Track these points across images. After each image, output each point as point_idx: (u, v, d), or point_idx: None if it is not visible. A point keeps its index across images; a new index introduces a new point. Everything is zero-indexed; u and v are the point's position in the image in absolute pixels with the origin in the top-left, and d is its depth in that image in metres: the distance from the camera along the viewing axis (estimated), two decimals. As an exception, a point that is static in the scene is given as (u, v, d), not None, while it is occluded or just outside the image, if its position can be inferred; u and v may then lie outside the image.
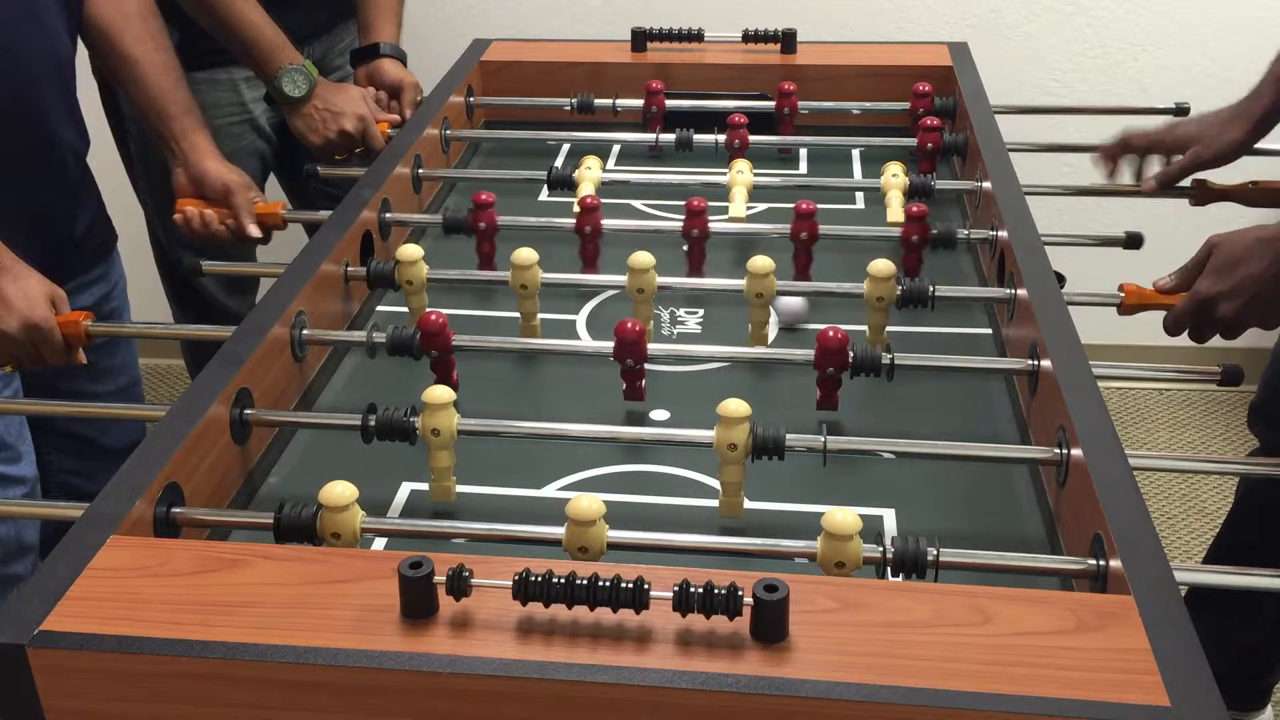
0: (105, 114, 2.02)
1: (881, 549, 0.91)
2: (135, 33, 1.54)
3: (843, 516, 0.90)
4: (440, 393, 1.05)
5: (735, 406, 1.02)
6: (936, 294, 1.26)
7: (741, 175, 1.55)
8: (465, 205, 1.46)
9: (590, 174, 1.58)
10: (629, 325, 1.16)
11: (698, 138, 1.69)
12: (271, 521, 0.96)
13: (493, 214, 1.44)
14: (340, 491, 0.94)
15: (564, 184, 1.58)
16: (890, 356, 1.15)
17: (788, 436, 1.03)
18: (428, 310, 1.21)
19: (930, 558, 0.91)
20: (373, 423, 1.07)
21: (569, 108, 1.81)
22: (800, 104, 1.77)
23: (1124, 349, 2.56)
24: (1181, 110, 1.80)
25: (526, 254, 1.29)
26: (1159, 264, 1.43)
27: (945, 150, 1.66)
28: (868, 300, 1.25)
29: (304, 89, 1.78)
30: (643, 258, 1.27)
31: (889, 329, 1.29)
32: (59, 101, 1.48)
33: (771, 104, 1.78)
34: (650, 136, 1.73)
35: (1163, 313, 1.34)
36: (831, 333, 1.14)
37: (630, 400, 1.19)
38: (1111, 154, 1.66)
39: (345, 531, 0.95)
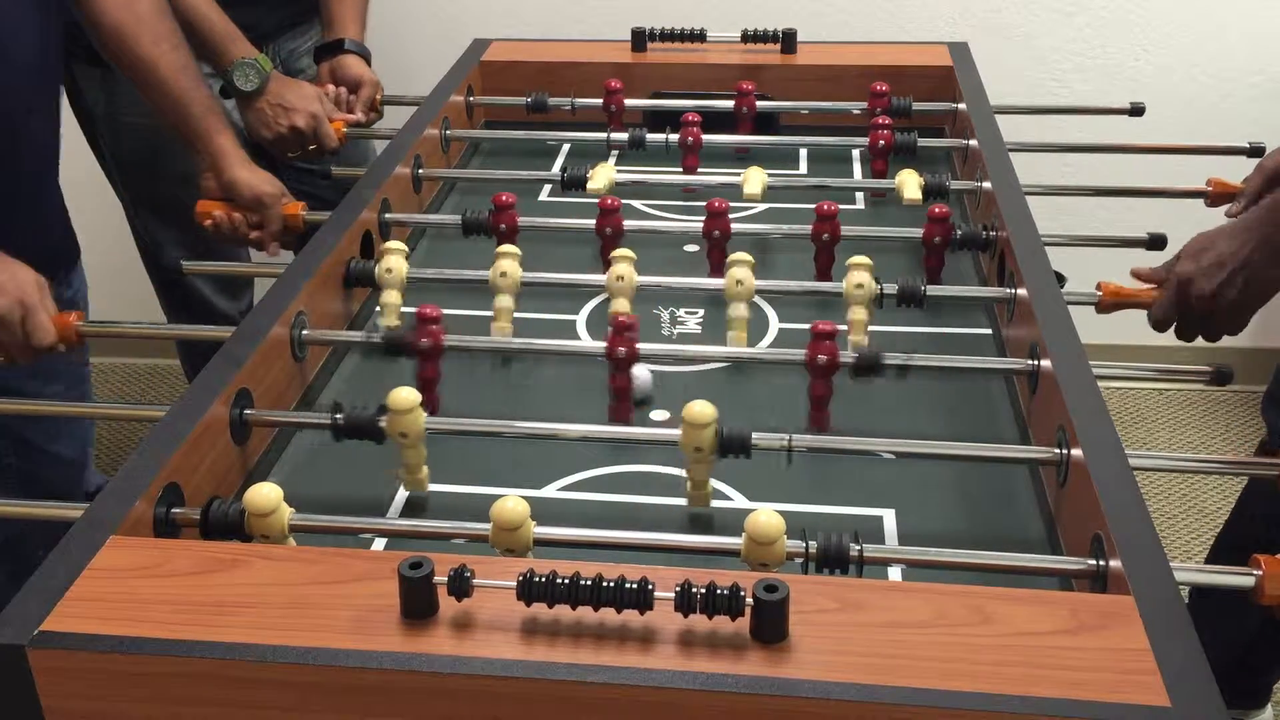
0: (74, 112, 2.01)
1: (805, 545, 0.92)
2: (149, 34, 1.52)
3: (766, 519, 0.90)
4: (405, 396, 1.04)
5: (700, 411, 1.02)
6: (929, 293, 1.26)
7: (755, 174, 1.55)
8: (485, 206, 1.46)
9: (604, 173, 1.57)
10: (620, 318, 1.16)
11: (650, 137, 1.69)
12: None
13: (514, 215, 1.44)
14: (266, 494, 0.94)
15: (578, 184, 1.58)
16: (903, 357, 1.15)
17: (754, 435, 1.03)
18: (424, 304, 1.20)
19: (854, 553, 0.91)
20: (340, 420, 1.08)
21: (568, 108, 1.81)
22: (800, 104, 1.78)
23: (1124, 349, 2.56)
24: (1137, 110, 1.81)
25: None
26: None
27: (898, 149, 1.66)
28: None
29: (256, 83, 1.77)
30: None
31: (892, 329, 1.29)
32: (39, 107, 1.47)
33: (770, 104, 1.78)
34: (653, 137, 1.73)
35: (1143, 311, 1.36)
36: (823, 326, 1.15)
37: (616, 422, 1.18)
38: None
39: (272, 533, 0.95)
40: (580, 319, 1.38)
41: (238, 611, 0.81)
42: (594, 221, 1.44)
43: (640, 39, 1.92)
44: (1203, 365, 1.23)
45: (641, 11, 2.49)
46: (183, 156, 1.67)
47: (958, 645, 0.78)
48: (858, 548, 0.92)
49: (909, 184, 1.51)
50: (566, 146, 1.81)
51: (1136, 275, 1.40)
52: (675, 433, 1.12)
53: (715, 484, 1.10)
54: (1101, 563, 0.89)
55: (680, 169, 1.67)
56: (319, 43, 1.98)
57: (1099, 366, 1.09)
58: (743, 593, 0.77)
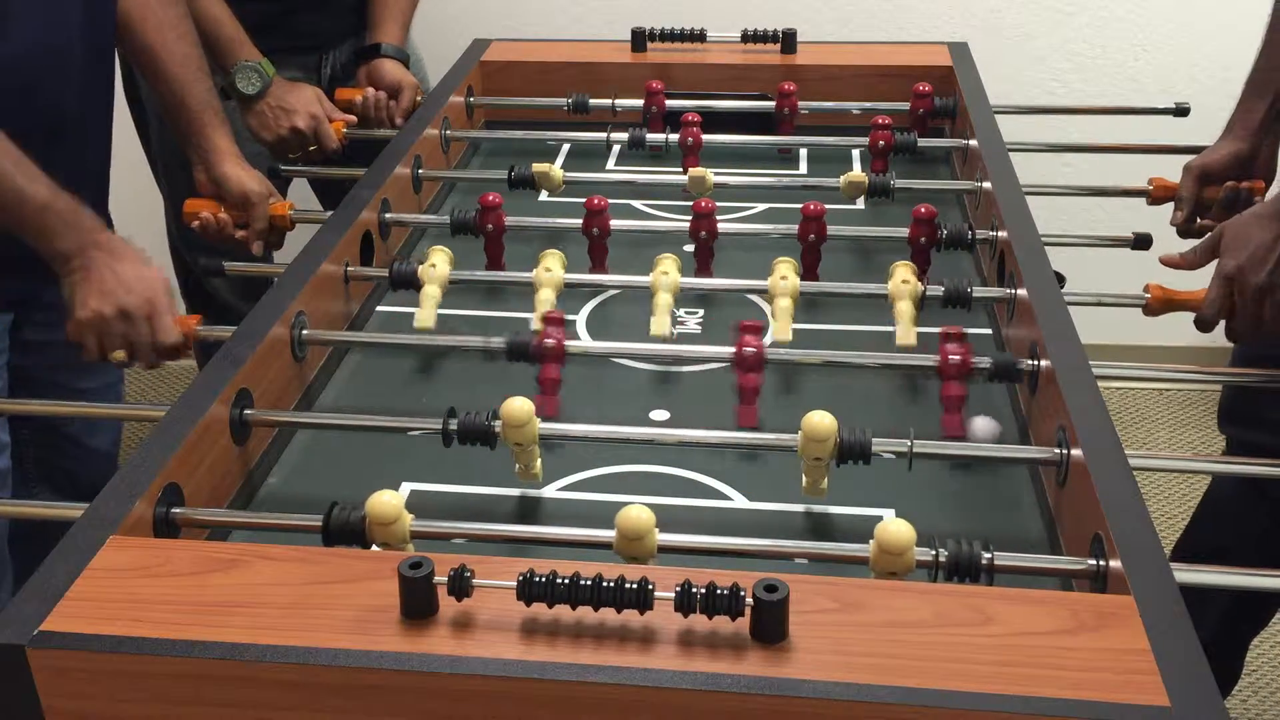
0: (128, 104, 2.01)
1: (934, 554, 0.90)
2: (154, 21, 1.51)
3: (895, 529, 0.89)
4: (519, 408, 1.04)
5: (820, 425, 1.00)
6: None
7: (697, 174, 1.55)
8: (472, 206, 1.45)
9: (554, 174, 1.57)
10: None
11: (650, 136, 1.70)
12: (317, 524, 0.96)
13: (501, 215, 1.43)
14: (388, 501, 0.93)
15: (525, 183, 1.58)
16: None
17: (875, 442, 1.02)
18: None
19: (985, 561, 0.90)
20: (453, 426, 1.07)
21: (567, 108, 1.81)
22: (800, 104, 1.77)
23: (1124, 349, 2.56)
24: (1182, 110, 1.80)
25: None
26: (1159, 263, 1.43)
27: (898, 149, 1.66)
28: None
29: (258, 86, 1.78)
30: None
31: (893, 329, 1.29)
32: (93, 104, 1.46)
33: (771, 104, 1.78)
34: (653, 137, 1.72)
35: (1135, 310, 1.35)
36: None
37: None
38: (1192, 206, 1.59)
39: (394, 540, 0.94)
40: (580, 319, 1.38)
41: (238, 611, 0.81)
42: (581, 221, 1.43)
43: (640, 39, 1.92)
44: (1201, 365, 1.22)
45: (641, 11, 2.49)
46: None
47: (958, 645, 0.78)
48: (989, 555, 0.90)
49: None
50: (566, 146, 1.81)
51: (1166, 262, 1.37)
52: (675, 433, 1.13)
53: (714, 484, 1.10)
54: (1101, 563, 0.89)
55: (681, 169, 1.67)
56: (359, 46, 1.98)
57: (1099, 366, 1.09)
58: (743, 593, 0.77)
